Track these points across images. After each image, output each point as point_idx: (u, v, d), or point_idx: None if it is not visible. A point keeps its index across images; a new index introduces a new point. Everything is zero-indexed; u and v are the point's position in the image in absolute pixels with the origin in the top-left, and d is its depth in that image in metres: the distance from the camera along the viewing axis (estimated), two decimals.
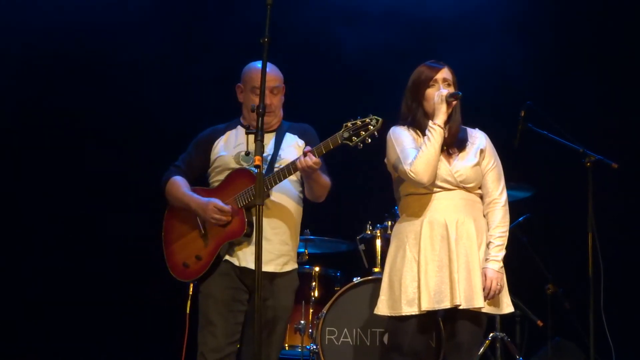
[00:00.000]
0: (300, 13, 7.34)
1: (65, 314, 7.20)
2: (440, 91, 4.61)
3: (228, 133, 4.99)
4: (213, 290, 4.78)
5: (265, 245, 4.61)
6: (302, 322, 6.30)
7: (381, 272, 6.18)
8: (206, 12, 7.47)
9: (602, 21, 7.24)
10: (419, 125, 4.68)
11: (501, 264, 4.61)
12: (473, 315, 4.56)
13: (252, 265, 4.66)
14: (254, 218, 4.66)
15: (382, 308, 4.68)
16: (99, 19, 7.31)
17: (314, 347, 6.06)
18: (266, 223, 4.67)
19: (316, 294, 6.44)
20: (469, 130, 4.80)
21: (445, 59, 4.80)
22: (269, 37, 4.10)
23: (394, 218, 6.44)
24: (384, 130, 4.71)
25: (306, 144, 4.88)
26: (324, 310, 6.05)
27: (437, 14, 7.37)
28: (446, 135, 4.64)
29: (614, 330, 5.82)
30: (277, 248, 4.80)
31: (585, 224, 5.81)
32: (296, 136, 4.96)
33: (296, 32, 7.26)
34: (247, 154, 4.65)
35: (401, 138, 4.68)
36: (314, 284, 6.46)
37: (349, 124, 4.47)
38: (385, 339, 5.93)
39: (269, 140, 4.88)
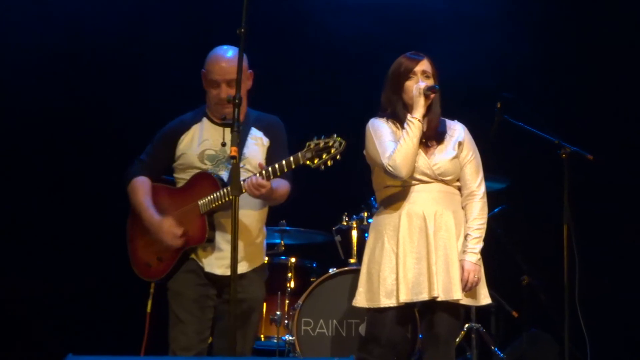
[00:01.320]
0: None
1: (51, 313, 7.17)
2: (418, 84, 4.61)
3: (194, 128, 4.83)
4: (181, 288, 4.70)
5: (227, 247, 4.59)
6: (278, 313, 6.29)
7: (357, 263, 6.23)
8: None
9: (580, 14, 7.25)
10: (398, 117, 4.67)
11: (479, 256, 4.63)
12: (451, 307, 4.58)
13: (218, 271, 4.67)
14: (218, 224, 4.65)
15: (361, 300, 4.70)
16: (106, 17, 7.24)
17: (290, 338, 6.06)
18: (228, 226, 4.59)
19: (292, 285, 6.43)
20: (448, 122, 4.80)
21: (424, 48, 4.79)
22: (246, 28, 4.06)
23: (370, 209, 6.45)
24: (364, 121, 4.71)
25: (271, 143, 4.80)
26: (300, 301, 6.04)
27: (419, 3, 7.37)
28: (425, 128, 4.65)
29: (588, 321, 5.84)
30: (242, 250, 4.68)
31: (561, 215, 5.83)
32: (262, 133, 4.82)
33: (277, 20, 7.22)
34: (223, 144, 4.59)
35: (380, 130, 4.68)
36: (289, 274, 6.45)
37: (312, 145, 4.37)
38: (361, 329, 5.93)
39: None
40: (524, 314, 6.65)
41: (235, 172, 4.05)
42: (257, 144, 4.79)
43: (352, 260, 6.37)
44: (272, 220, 6.48)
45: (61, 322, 7.15)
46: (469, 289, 4.58)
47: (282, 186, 4.72)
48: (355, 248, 6.44)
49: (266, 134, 4.81)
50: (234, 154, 4.01)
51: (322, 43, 7.43)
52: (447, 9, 7.34)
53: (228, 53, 4.71)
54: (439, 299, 4.51)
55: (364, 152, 4.78)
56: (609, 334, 6.68)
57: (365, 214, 6.47)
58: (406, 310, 4.64)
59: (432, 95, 4.63)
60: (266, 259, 4.95)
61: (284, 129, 4.89)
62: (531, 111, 6.03)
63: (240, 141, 4.69)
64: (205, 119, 4.85)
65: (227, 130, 4.69)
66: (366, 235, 6.31)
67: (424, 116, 4.63)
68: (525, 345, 6.72)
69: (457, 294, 4.53)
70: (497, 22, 7.26)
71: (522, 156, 7.02)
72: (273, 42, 7.08)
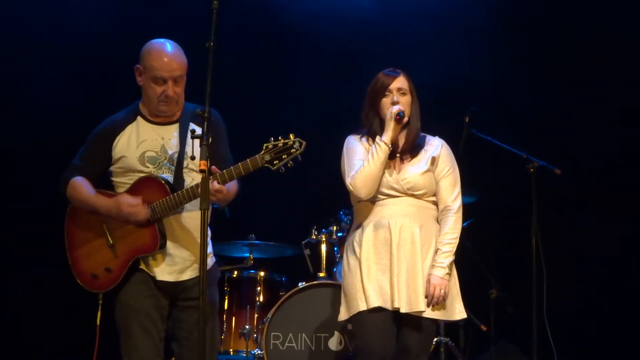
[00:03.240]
0: None
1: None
2: (391, 108, 4.62)
3: (129, 127, 4.60)
4: (131, 300, 4.52)
5: (179, 253, 4.55)
6: (247, 327, 6.28)
7: (326, 277, 6.28)
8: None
9: (546, 28, 7.31)
10: (374, 135, 4.69)
11: (447, 270, 4.62)
12: (418, 320, 4.58)
13: (170, 278, 4.54)
14: (167, 229, 4.50)
15: (343, 314, 4.71)
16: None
17: (259, 352, 6.04)
18: (177, 230, 4.54)
19: (261, 298, 6.43)
20: (428, 138, 4.82)
21: (394, 60, 4.80)
22: (214, 41, 4.03)
23: (339, 223, 6.47)
24: (342, 137, 4.73)
25: (213, 139, 4.36)
26: (269, 315, 6.03)
27: (387, 17, 7.39)
28: (402, 142, 4.70)
29: (556, 334, 5.87)
30: (190, 254, 4.55)
31: (529, 229, 5.85)
32: (201, 128, 4.24)
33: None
34: (193, 158, 4.39)
35: (352, 148, 4.72)
36: (259, 288, 6.45)
37: (270, 145, 4.24)
38: (331, 343, 5.93)
39: (171, 133, 4.61)
40: (493, 328, 6.67)
41: (204, 185, 3.91)
42: (198, 141, 4.31)
43: (322, 274, 6.37)
44: (240, 233, 6.52)
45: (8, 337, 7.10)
46: (435, 303, 4.57)
47: (233, 186, 4.56)
48: (324, 262, 6.44)
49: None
50: (203, 167, 3.91)
51: (298, 50, 7.45)
52: (417, 24, 7.37)
53: (168, 47, 4.54)
54: (401, 311, 4.52)
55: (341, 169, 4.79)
56: (577, 346, 6.72)
57: (334, 227, 6.48)
58: (385, 316, 4.57)
59: (404, 120, 4.63)
60: (214, 259, 4.76)
61: (222, 120, 4.70)
62: (499, 125, 6.05)
63: (180, 139, 4.58)
64: (140, 118, 4.65)
65: (165, 129, 4.62)
66: (335, 249, 6.36)
67: (402, 130, 4.68)
68: (494, 358, 6.74)
69: (420, 306, 4.53)
70: (467, 35, 7.30)
71: (490, 170, 7.05)
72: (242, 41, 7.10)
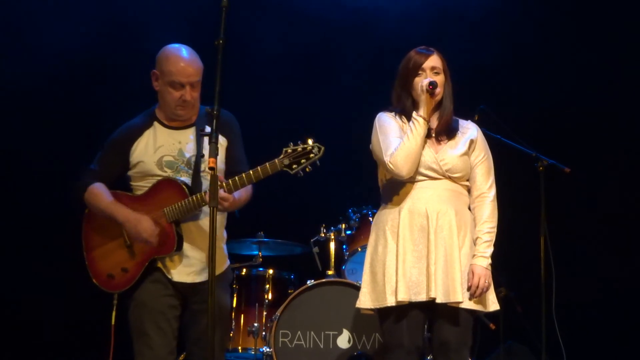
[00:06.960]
0: None
1: None
2: (422, 81, 4.51)
3: (146, 133, 4.66)
4: (146, 298, 4.56)
5: (196, 255, 4.58)
6: (256, 324, 6.28)
7: (335, 275, 6.25)
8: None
9: (554, 25, 7.30)
10: (408, 115, 4.55)
11: (489, 260, 4.50)
12: (454, 312, 4.44)
13: (187, 279, 4.57)
14: (184, 231, 4.54)
15: (365, 301, 4.53)
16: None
17: (268, 349, 6.04)
18: (194, 232, 4.57)
19: (270, 296, 6.42)
20: (462, 122, 4.69)
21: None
22: (224, 39, 4.02)
23: (348, 221, 6.47)
24: (372, 116, 4.66)
25: (229, 143, 4.65)
26: (278, 313, 6.03)
27: (401, 12, 7.40)
28: (436, 124, 4.57)
29: (565, 333, 5.86)
30: (206, 257, 4.54)
31: (538, 227, 5.84)
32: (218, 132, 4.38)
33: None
34: (202, 156, 4.44)
35: (386, 126, 4.56)
36: (267, 286, 6.44)
37: (289, 150, 4.28)
38: (340, 341, 5.93)
39: (188, 137, 4.65)
40: (502, 326, 6.65)
41: (213, 183, 3.92)
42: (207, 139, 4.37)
43: (330, 272, 6.36)
44: (250, 231, 6.52)
45: (22, 338, 7.10)
46: (480, 294, 4.45)
47: (244, 193, 4.58)
48: (332, 260, 6.43)
49: (222, 132, 4.55)
50: (212, 165, 3.90)
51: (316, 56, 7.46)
52: (424, 19, 7.36)
53: (184, 53, 4.59)
54: (437, 301, 4.38)
55: (370, 146, 4.65)
56: (586, 346, 6.70)
57: (343, 225, 6.48)
58: (415, 311, 4.46)
59: (438, 91, 4.52)
60: (228, 262, 4.81)
61: (237, 124, 4.74)
62: (508, 124, 6.05)
63: (196, 143, 4.60)
64: (156, 123, 4.70)
65: (182, 133, 4.65)
66: (344, 247, 6.36)
67: (434, 111, 4.57)
68: (503, 358, 6.73)
69: (457, 296, 4.38)
70: (474, 31, 7.29)
71: (499, 168, 7.03)
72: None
